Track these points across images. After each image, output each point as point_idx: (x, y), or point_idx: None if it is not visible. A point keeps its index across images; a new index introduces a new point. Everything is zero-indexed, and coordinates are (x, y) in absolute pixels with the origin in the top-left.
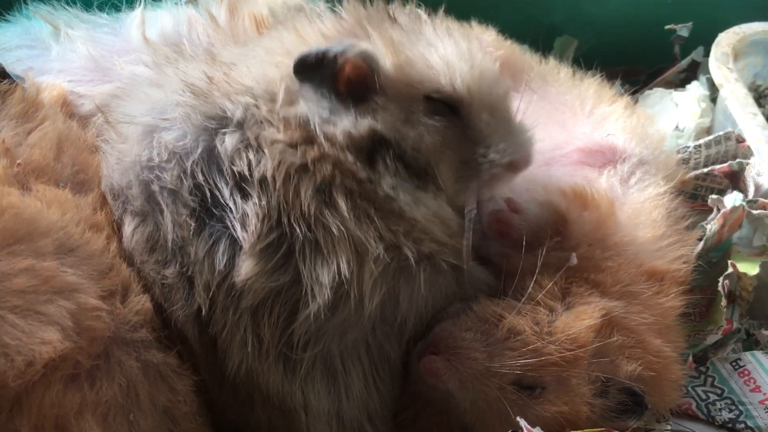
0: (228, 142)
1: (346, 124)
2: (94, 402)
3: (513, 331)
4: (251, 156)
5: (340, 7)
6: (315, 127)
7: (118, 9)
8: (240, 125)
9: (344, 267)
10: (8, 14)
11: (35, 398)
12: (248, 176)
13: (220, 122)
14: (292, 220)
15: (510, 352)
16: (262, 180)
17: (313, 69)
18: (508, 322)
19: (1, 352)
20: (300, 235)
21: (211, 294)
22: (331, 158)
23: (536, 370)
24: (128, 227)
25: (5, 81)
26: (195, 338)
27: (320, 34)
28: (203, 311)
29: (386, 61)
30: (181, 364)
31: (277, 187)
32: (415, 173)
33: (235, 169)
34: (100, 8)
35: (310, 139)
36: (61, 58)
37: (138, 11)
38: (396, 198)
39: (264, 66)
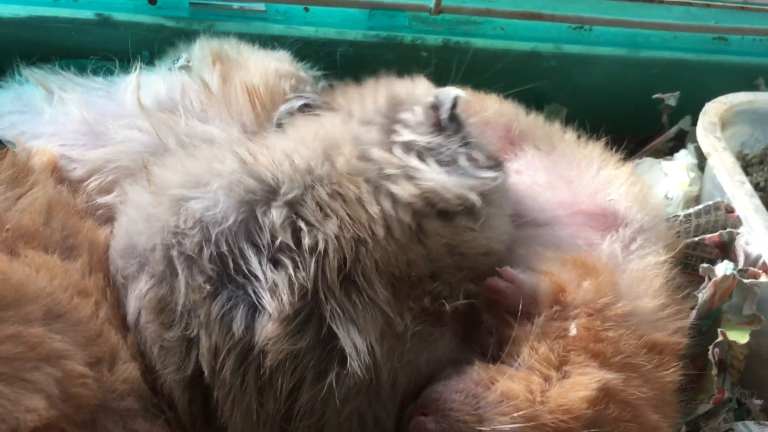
0: (275, 215)
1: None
2: None
3: (506, 396)
4: (302, 227)
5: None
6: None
7: (112, 73)
8: (291, 204)
9: (373, 339)
10: (0, 80)
11: None
12: (294, 247)
13: (266, 195)
14: (327, 294)
15: (501, 416)
16: (311, 251)
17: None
18: (502, 386)
19: None
20: (333, 305)
21: (220, 358)
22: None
23: None
24: (143, 286)
25: None
26: (184, 405)
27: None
28: (205, 374)
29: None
30: None
31: (324, 261)
32: None
33: (277, 240)
34: (95, 72)
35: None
36: (54, 122)
37: (133, 76)
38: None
39: (322, 152)
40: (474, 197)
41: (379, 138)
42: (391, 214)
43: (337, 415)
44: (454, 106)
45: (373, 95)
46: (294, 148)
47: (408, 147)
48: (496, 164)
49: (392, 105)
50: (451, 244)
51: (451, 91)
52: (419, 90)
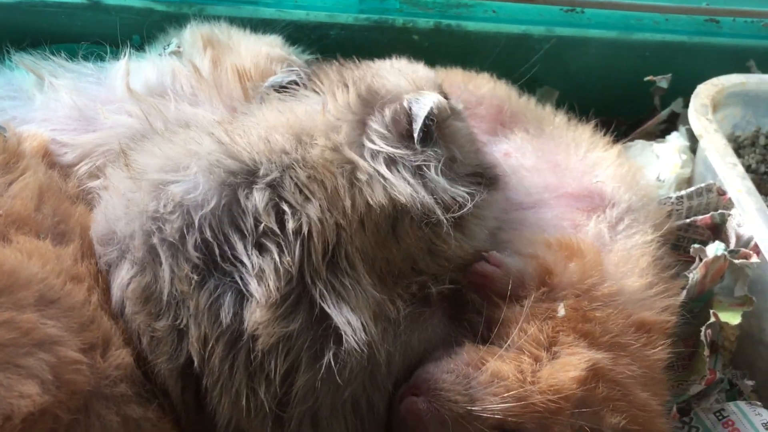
0: (257, 197)
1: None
2: None
3: (496, 376)
4: (286, 210)
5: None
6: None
7: (102, 59)
8: (272, 186)
9: (366, 317)
10: None
11: None
12: (278, 231)
13: (246, 177)
14: (314, 276)
15: (492, 397)
16: (295, 234)
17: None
18: (492, 366)
19: None
20: (321, 287)
21: (209, 347)
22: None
23: (518, 416)
24: (125, 275)
25: None
26: (177, 393)
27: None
28: (195, 364)
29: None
30: (162, 417)
31: (308, 244)
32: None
33: (261, 224)
34: (85, 58)
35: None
36: (44, 108)
37: (122, 62)
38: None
39: (294, 137)
40: (441, 215)
41: (350, 138)
42: (364, 212)
43: (332, 400)
44: (429, 119)
45: (347, 86)
46: (267, 133)
47: (377, 154)
48: (481, 175)
49: (363, 103)
50: (429, 248)
51: (425, 103)
52: (398, 88)
